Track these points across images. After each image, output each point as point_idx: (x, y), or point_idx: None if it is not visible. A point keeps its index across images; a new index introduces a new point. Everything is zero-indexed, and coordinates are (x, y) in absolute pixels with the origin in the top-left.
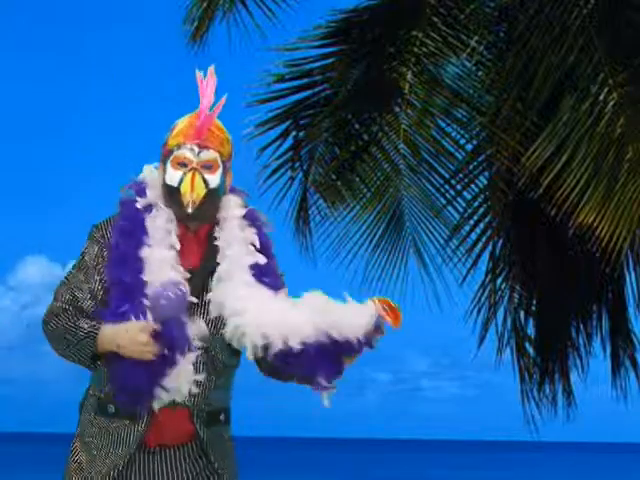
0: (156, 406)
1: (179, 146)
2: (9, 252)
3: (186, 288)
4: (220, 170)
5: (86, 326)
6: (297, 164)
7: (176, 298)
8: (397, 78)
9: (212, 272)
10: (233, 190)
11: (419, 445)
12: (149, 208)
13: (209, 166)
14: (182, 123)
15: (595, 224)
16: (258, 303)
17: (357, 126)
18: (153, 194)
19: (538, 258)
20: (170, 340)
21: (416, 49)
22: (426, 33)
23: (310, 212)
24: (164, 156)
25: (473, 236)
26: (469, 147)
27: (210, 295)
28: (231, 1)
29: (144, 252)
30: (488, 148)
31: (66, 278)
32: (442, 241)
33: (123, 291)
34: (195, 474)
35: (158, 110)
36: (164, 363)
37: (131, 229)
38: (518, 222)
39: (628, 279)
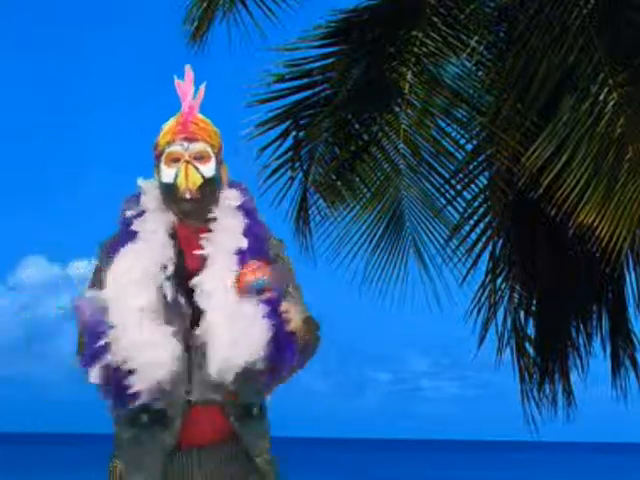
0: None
1: (169, 144)
2: (9, 252)
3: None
4: (213, 161)
5: None
6: (297, 164)
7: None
8: (397, 78)
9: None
10: (232, 185)
11: (419, 445)
12: (140, 214)
13: (200, 157)
14: (168, 124)
15: (595, 224)
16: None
17: (357, 126)
18: (147, 200)
19: (538, 258)
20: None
21: (416, 49)
22: (426, 33)
23: (310, 212)
24: (157, 158)
25: (473, 236)
26: (469, 147)
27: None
28: (231, 1)
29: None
30: (488, 148)
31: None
32: (442, 241)
33: None
34: (234, 474)
35: (158, 110)
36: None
37: (120, 238)
38: (518, 222)
39: (628, 279)
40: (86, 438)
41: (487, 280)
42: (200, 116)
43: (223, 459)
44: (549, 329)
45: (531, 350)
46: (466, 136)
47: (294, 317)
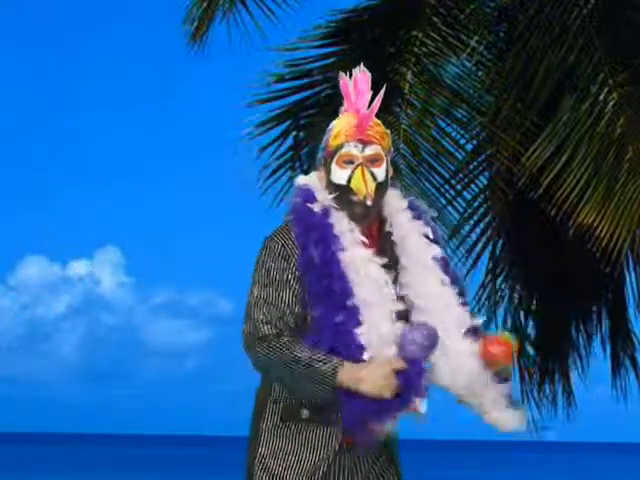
0: (380, 436)
1: (342, 145)
2: (9, 252)
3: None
4: (385, 163)
5: (320, 357)
6: (297, 164)
7: (425, 341)
8: (397, 78)
9: (391, 267)
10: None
11: (419, 445)
12: (326, 211)
13: (374, 160)
14: (340, 124)
15: (595, 224)
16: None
17: None
18: (323, 197)
19: (538, 258)
20: (408, 381)
21: (416, 49)
22: (426, 33)
23: None
24: (327, 158)
25: (473, 236)
26: (469, 147)
27: (399, 289)
28: (231, 1)
29: (341, 256)
30: (488, 148)
31: (255, 297)
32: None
33: (333, 301)
34: (380, 470)
35: (158, 110)
36: (398, 400)
37: (319, 235)
38: (518, 222)
39: (628, 279)
40: (85, 438)
41: (487, 280)
42: (374, 118)
43: (371, 455)
44: (549, 329)
45: (531, 350)
46: (466, 136)
47: None
